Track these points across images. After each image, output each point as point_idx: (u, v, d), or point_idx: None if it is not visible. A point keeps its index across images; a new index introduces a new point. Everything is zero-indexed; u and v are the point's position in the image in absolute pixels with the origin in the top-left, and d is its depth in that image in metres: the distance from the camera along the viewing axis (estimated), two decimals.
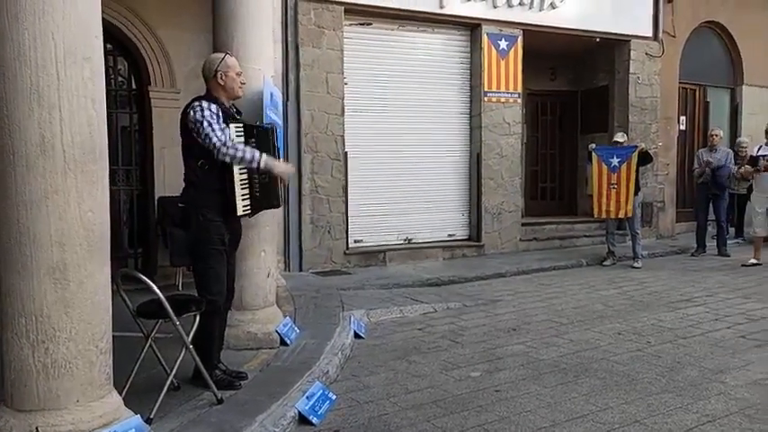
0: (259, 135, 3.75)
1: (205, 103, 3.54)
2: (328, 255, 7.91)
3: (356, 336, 5.09)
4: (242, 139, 3.66)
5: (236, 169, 3.59)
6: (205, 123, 3.47)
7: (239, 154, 3.49)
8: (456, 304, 6.28)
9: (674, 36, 10.59)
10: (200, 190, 3.61)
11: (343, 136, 7.93)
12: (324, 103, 7.78)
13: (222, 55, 3.78)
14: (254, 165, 3.53)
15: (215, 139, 3.46)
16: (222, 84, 3.69)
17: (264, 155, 3.55)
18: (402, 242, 8.70)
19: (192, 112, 3.52)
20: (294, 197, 7.67)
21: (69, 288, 2.55)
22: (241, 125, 3.73)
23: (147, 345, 3.45)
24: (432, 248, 8.75)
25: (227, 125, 3.59)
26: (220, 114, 3.57)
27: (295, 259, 7.75)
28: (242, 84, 3.78)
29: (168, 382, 3.36)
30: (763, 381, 3.96)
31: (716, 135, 9.32)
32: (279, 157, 3.86)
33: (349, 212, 8.08)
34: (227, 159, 3.49)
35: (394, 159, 8.56)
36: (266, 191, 3.75)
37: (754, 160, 8.34)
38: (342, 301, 5.99)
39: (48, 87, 2.45)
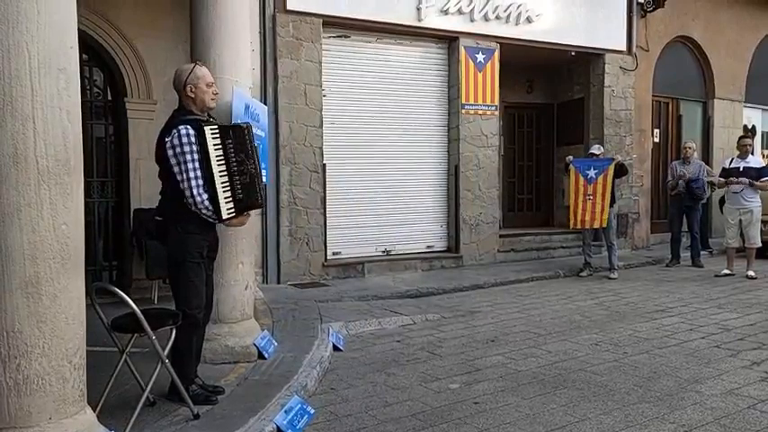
0: (235, 134, 3.66)
1: (183, 131, 3.44)
2: (306, 267, 7.87)
3: (335, 348, 5.06)
4: (218, 141, 3.56)
5: (216, 172, 3.51)
6: (190, 167, 3.43)
7: (205, 213, 3.52)
8: (434, 316, 6.28)
9: (647, 50, 10.80)
10: (178, 203, 3.54)
11: (321, 148, 7.92)
12: (302, 114, 7.78)
13: (191, 66, 3.69)
14: (214, 220, 3.59)
15: (195, 194, 3.46)
16: (192, 96, 3.61)
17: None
18: (381, 254, 8.70)
19: (170, 141, 3.45)
20: (272, 209, 7.63)
21: (42, 302, 2.49)
22: (216, 127, 3.61)
23: (122, 359, 3.39)
24: (410, 260, 8.76)
25: (202, 128, 3.49)
26: (196, 137, 3.48)
27: (273, 271, 7.70)
28: (215, 94, 3.69)
29: (144, 398, 3.31)
30: (738, 390, 4.02)
31: (689, 147, 9.50)
32: (258, 159, 3.82)
33: (327, 224, 8.06)
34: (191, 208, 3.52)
35: (372, 171, 8.58)
36: (247, 191, 3.67)
37: (726, 172, 8.50)
38: (320, 314, 5.97)
39: (21, 98, 2.41)
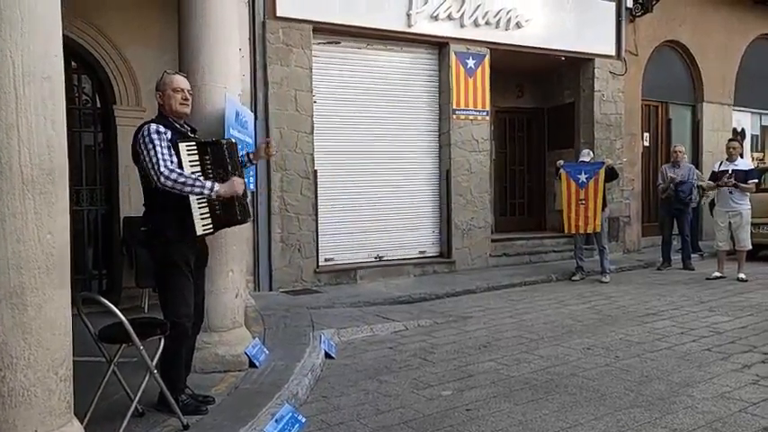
0: (213, 151, 3.63)
1: (153, 126, 3.45)
2: (298, 273, 7.84)
3: (326, 356, 5.03)
4: (196, 157, 3.55)
5: None
6: (152, 152, 3.37)
7: (174, 184, 3.35)
8: (427, 321, 6.26)
9: (636, 54, 10.85)
10: (160, 212, 3.53)
11: (312, 154, 7.91)
12: (293, 121, 7.76)
13: (162, 73, 3.74)
14: (207, 194, 3.44)
15: (162, 168, 3.33)
16: (161, 102, 3.64)
17: (217, 185, 3.44)
18: (373, 260, 8.68)
19: (139, 137, 3.46)
20: (264, 216, 7.61)
21: (27, 313, 2.46)
22: (193, 143, 3.59)
23: (110, 370, 3.36)
24: (403, 265, 8.75)
25: (177, 144, 3.48)
26: (167, 135, 3.46)
27: (265, 278, 7.66)
28: (184, 100, 3.66)
29: (132, 408, 3.28)
30: (729, 393, 4.02)
31: (679, 151, 9.54)
32: (241, 173, 3.81)
33: (319, 230, 8.04)
34: (171, 188, 3.36)
35: (364, 177, 8.57)
36: (225, 207, 3.65)
37: (715, 176, 8.54)
38: (312, 321, 5.93)
39: (5, 107, 2.38)
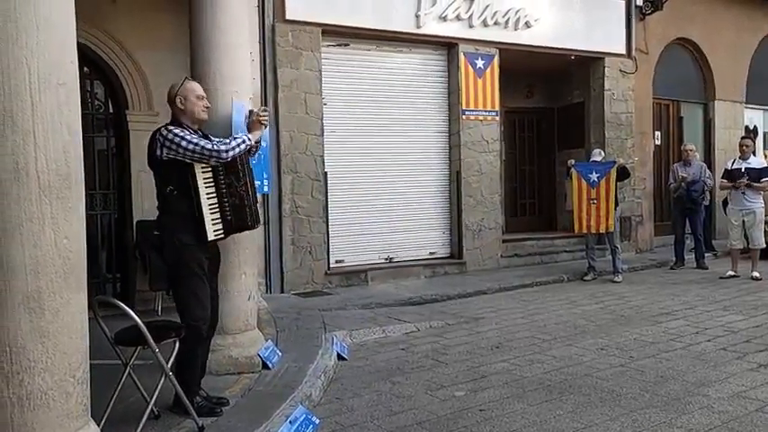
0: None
1: (174, 129, 3.51)
2: (309, 275, 7.86)
3: (339, 357, 5.04)
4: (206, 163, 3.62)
5: (203, 194, 3.54)
6: (183, 143, 3.45)
7: (234, 151, 3.58)
8: (439, 323, 6.26)
9: (646, 53, 10.80)
10: (173, 216, 3.57)
11: (322, 156, 7.92)
12: (302, 123, 7.78)
13: (183, 79, 3.77)
14: (248, 145, 3.71)
15: (206, 151, 3.49)
16: (182, 108, 3.65)
17: (244, 135, 3.77)
18: (384, 261, 8.68)
19: (160, 140, 3.49)
20: (275, 218, 7.64)
21: (45, 317, 2.48)
22: None
23: (126, 372, 3.39)
24: (413, 267, 8.74)
25: None
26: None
27: (276, 281, 7.69)
28: (205, 107, 3.72)
29: (148, 411, 3.30)
30: (745, 393, 3.99)
31: (689, 150, 9.49)
32: (251, 179, 3.85)
33: (330, 232, 8.05)
34: (230, 158, 3.57)
35: (374, 178, 8.58)
36: (237, 212, 3.69)
37: (728, 174, 8.48)
38: (324, 323, 5.95)
39: (22, 113, 2.41)
